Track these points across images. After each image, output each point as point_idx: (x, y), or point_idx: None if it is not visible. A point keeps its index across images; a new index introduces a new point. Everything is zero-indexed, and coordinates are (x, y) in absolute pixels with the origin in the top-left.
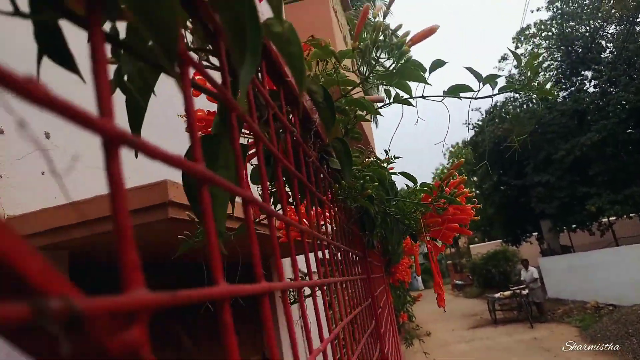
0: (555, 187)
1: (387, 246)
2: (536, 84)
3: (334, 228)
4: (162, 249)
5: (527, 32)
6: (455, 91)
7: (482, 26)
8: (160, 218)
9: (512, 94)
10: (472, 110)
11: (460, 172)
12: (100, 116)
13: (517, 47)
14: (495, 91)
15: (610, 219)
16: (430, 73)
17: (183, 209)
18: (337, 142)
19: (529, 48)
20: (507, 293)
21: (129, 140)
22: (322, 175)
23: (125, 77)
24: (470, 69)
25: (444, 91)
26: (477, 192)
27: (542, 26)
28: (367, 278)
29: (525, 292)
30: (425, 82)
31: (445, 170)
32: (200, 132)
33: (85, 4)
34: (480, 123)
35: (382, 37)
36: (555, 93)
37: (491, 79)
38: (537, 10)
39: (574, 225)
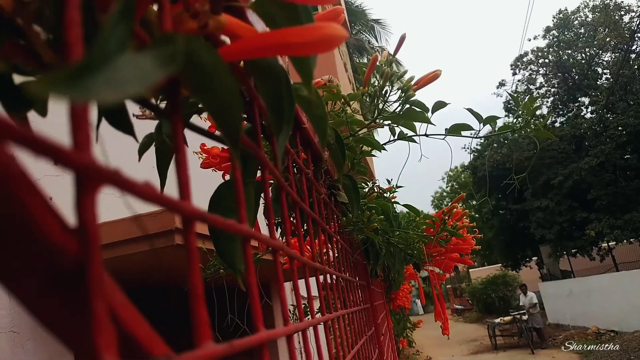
0: (555, 212)
1: (389, 273)
2: (533, 126)
3: (341, 259)
4: (169, 275)
5: (525, 59)
6: (457, 130)
7: (477, 30)
8: (168, 244)
9: (511, 119)
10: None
11: None
12: (180, 199)
13: (514, 74)
14: (495, 130)
15: (609, 244)
16: (432, 113)
17: None
18: (345, 179)
19: (527, 74)
20: (508, 318)
21: (202, 216)
22: (330, 209)
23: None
24: (470, 110)
25: (446, 129)
26: (477, 215)
27: (540, 53)
28: (370, 307)
29: (525, 317)
30: (429, 122)
31: (444, 194)
32: (214, 168)
33: (169, 104)
34: (479, 147)
35: (389, 83)
36: (551, 120)
37: (491, 120)
38: (534, 38)
39: (573, 250)
